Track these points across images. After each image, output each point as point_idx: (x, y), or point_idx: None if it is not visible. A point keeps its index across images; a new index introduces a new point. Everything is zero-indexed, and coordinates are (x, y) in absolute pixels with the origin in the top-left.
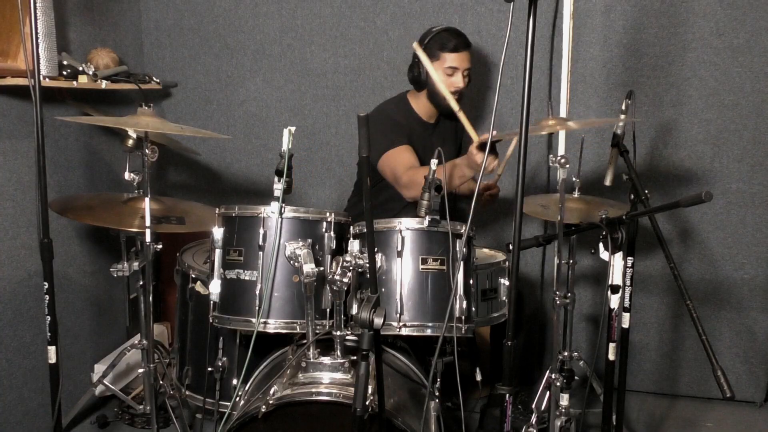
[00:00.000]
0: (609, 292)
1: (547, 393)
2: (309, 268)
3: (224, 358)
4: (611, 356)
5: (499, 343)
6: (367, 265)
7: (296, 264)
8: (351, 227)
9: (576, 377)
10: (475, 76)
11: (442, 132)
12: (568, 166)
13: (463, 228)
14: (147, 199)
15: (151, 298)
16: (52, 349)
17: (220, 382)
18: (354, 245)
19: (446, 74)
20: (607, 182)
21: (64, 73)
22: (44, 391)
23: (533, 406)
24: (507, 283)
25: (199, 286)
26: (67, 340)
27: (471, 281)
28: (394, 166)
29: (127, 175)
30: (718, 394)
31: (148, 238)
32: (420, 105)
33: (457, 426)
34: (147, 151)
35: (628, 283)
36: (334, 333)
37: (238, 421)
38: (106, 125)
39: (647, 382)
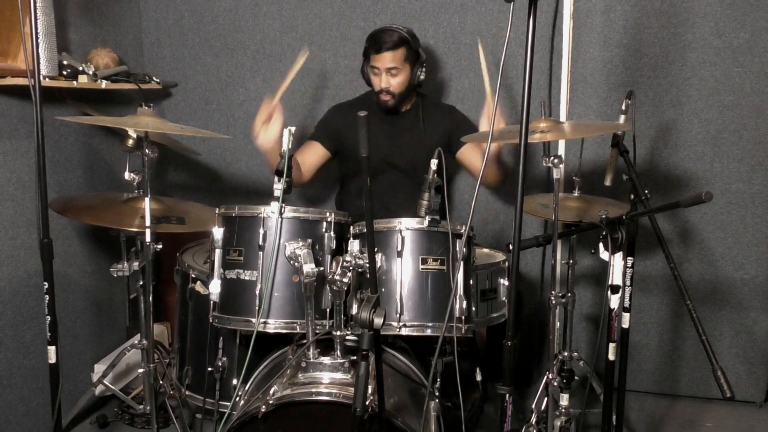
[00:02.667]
0: (609, 292)
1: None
2: (309, 268)
3: (224, 358)
4: (611, 356)
5: (495, 343)
6: (367, 265)
7: (296, 264)
8: (351, 227)
9: (576, 377)
10: (475, 76)
11: (403, 122)
12: (561, 165)
13: (463, 228)
14: (147, 199)
15: (151, 298)
16: (52, 349)
17: (220, 382)
18: (354, 245)
19: (373, 73)
20: (607, 182)
21: (64, 73)
22: (44, 391)
23: (533, 406)
24: (507, 283)
25: (199, 286)
26: (67, 340)
27: (471, 281)
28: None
29: (127, 175)
30: (718, 394)
31: (148, 238)
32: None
33: (457, 426)
34: (147, 150)
35: (628, 283)
36: (334, 333)
37: (238, 421)
38: (106, 125)
39: (647, 382)
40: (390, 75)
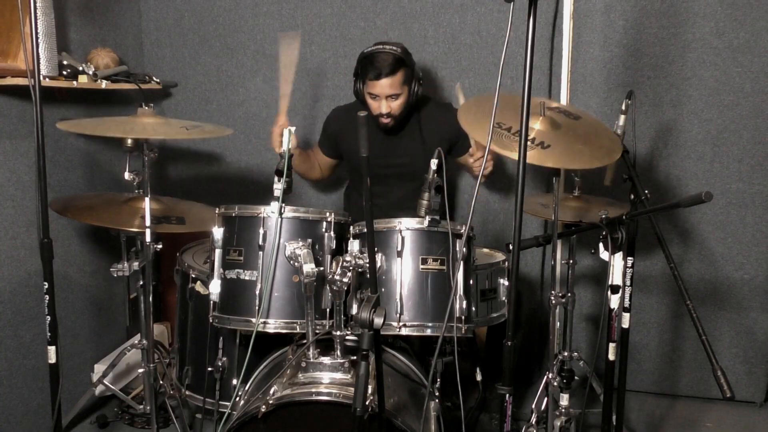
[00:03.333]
0: (609, 292)
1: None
2: (309, 268)
3: (224, 358)
4: (611, 356)
5: (495, 344)
6: (367, 265)
7: (296, 264)
8: (351, 227)
9: (576, 377)
10: (475, 75)
11: (409, 127)
12: None
13: (463, 228)
14: (147, 199)
15: (151, 298)
16: (52, 349)
17: (220, 382)
18: (354, 245)
19: (371, 98)
20: (607, 182)
21: (64, 73)
22: (44, 391)
23: (533, 406)
24: (506, 283)
25: (199, 286)
26: (67, 340)
27: (471, 281)
28: None
29: (127, 175)
30: (718, 394)
31: (148, 238)
32: None
33: (457, 426)
34: (147, 150)
35: (628, 283)
36: (334, 333)
37: (238, 421)
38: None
39: (647, 382)
40: (390, 100)
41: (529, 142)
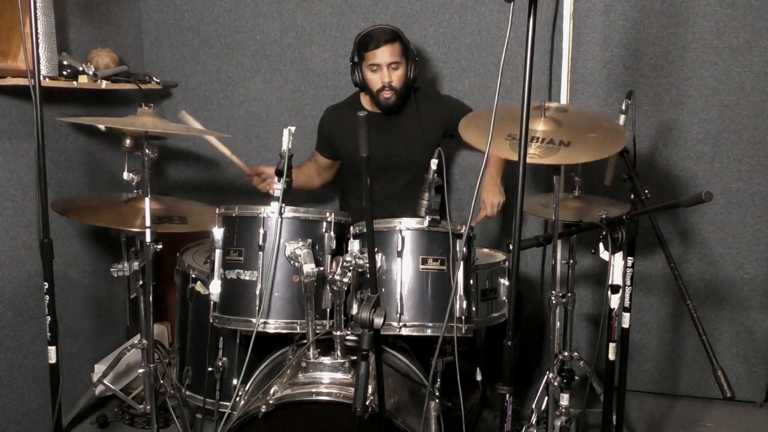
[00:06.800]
0: (609, 292)
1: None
2: (309, 268)
3: (224, 358)
4: (611, 356)
5: (494, 344)
6: (367, 265)
7: (296, 264)
8: (351, 227)
9: (576, 377)
10: (475, 76)
11: (399, 120)
12: (561, 165)
13: (463, 228)
14: (147, 199)
15: (151, 298)
16: (52, 349)
17: (220, 382)
18: (354, 245)
19: (371, 71)
20: (607, 182)
21: (64, 73)
22: (44, 391)
23: (533, 406)
24: (507, 283)
25: (199, 286)
26: (67, 340)
27: (471, 281)
28: None
29: (126, 175)
30: (718, 394)
31: (148, 238)
32: (367, 101)
33: (457, 426)
34: (147, 150)
35: (628, 283)
36: (334, 333)
37: (238, 421)
38: (108, 126)
39: (647, 382)
40: (391, 69)
41: (543, 144)
